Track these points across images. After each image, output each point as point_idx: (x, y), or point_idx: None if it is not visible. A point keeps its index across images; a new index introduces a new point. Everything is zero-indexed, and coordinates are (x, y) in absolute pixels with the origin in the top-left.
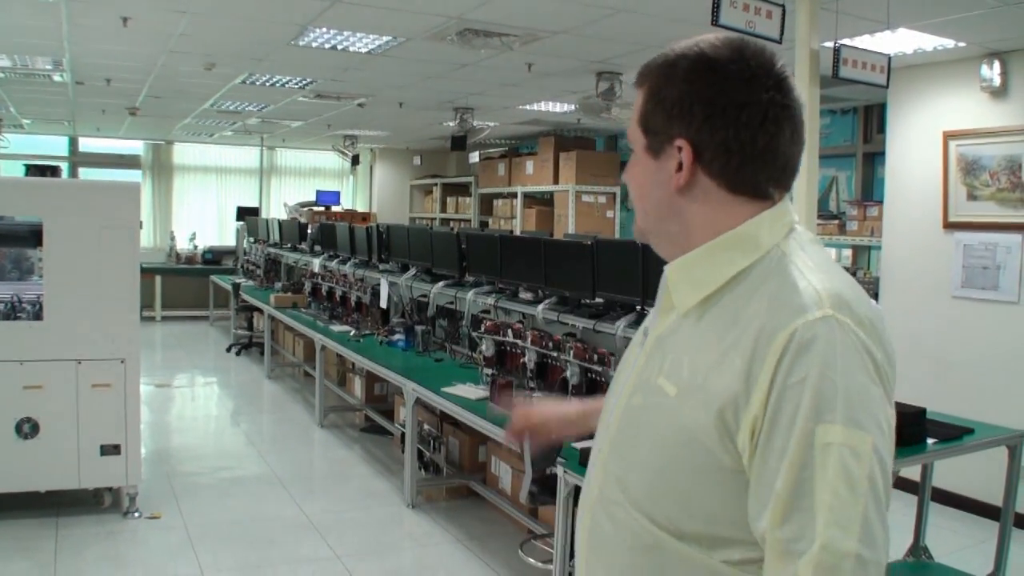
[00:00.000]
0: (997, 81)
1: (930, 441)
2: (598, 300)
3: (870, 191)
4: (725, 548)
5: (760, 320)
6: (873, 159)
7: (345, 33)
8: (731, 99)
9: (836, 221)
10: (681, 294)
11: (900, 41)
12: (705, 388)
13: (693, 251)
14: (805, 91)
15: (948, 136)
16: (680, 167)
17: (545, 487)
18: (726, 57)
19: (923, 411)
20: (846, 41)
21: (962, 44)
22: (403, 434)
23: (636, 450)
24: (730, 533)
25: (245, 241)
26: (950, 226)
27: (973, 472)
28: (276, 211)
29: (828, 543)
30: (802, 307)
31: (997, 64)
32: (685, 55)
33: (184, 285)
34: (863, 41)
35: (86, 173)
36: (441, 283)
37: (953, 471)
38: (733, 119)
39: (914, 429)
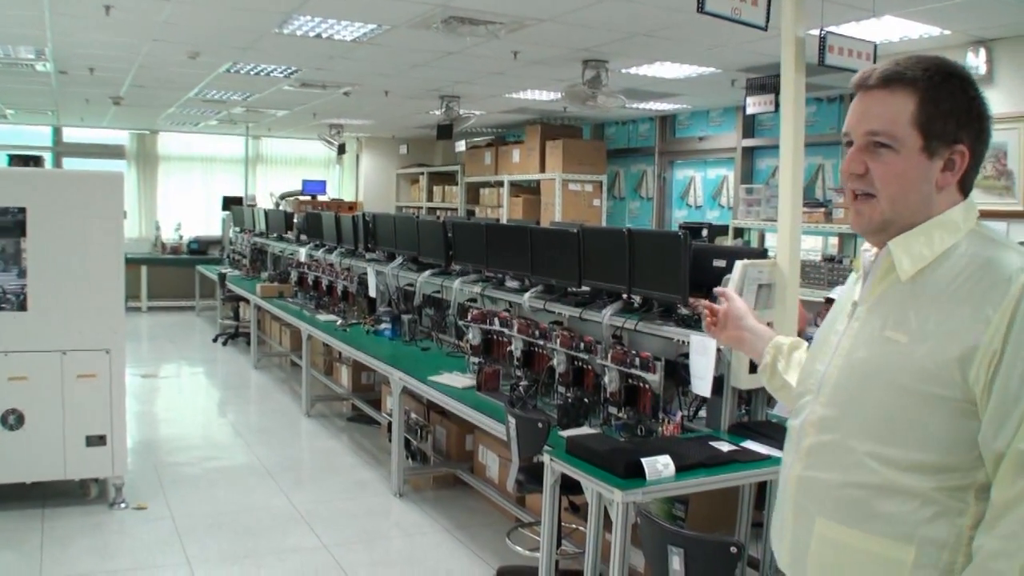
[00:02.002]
0: (983, 69)
1: None
2: (584, 288)
3: None
4: (943, 474)
5: (987, 276)
6: None
7: (330, 21)
8: (990, 117)
9: (822, 209)
10: (904, 263)
11: (886, 28)
12: (937, 334)
13: (913, 229)
14: (791, 78)
15: None
16: (952, 167)
17: (532, 475)
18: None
19: None
20: (832, 28)
21: (947, 32)
22: (390, 423)
23: (865, 396)
24: (950, 460)
25: (231, 231)
26: None
27: None
28: (262, 201)
29: None
30: (1020, 267)
31: (983, 52)
32: (955, 68)
33: (170, 275)
34: (849, 28)
35: (70, 163)
36: (427, 272)
37: None
38: (990, 133)
39: None
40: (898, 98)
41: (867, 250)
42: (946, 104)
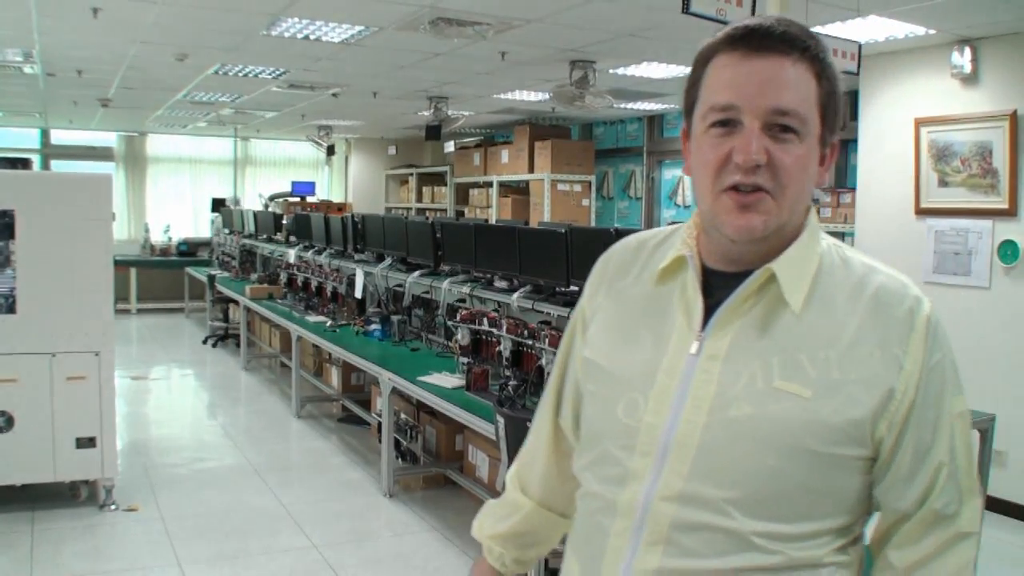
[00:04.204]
0: (968, 68)
1: None
2: (572, 288)
3: (843, 178)
4: (842, 535)
5: (882, 306)
6: (846, 146)
7: (317, 23)
8: None
9: None
10: (795, 295)
11: (871, 28)
12: (844, 384)
13: (793, 246)
14: None
15: (919, 123)
16: (824, 162)
17: None
18: None
19: None
20: (817, 28)
21: (933, 31)
22: (380, 424)
23: (753, 465)
24: (851, 520)
25: (220, 232)
26: (922, 212)
27: None
28: (251, 202)
29: (972, 500)
30: (916, 295)
31: (968, 51)
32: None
33: (159, 277)
34: (834, 28)
35: (58, 165)
36: (416, 272)
37: None
38: None
39: None
40: (801, 69)
41: (654, 241)
42: (839, 85)
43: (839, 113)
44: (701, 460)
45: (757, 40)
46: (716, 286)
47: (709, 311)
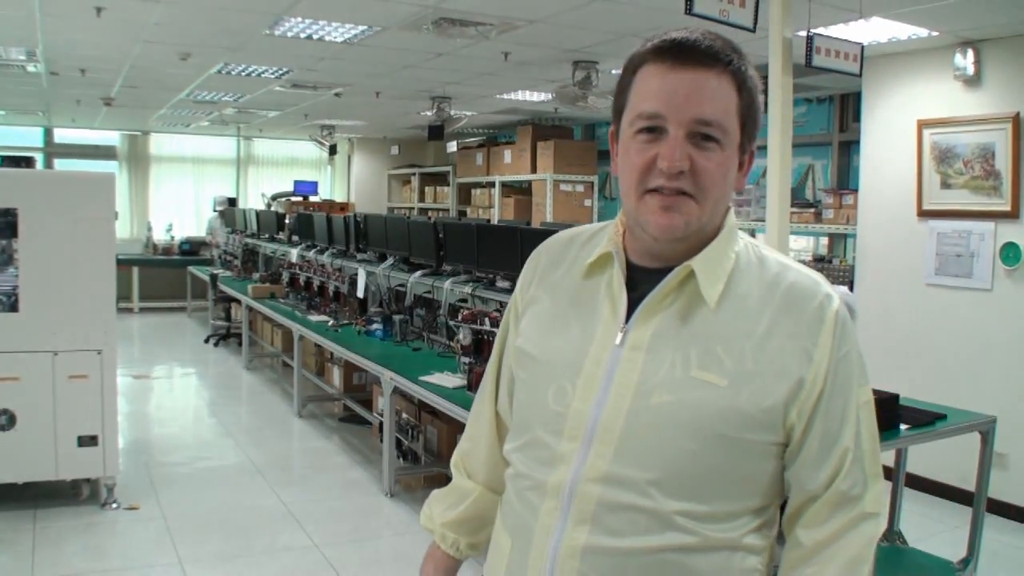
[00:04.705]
0: (971, 70)
1: (903, 427)
2: None
3: (846, 179)
4: (756, 516)
5: (795, 303)
6: (849, 148)
7: (320, 22)
8: None
9: (812, 209)
10: (710, 290)
11: (874, 30)
12: (757, 374)
13: (711, 245)
14: (778, 80)
15: (922, 124)
16: (742, 168)
17: None
18: None
19: (896, 397)
20: (820, 30)
21: (936, 33)
22: (381, 423)
23: (672, 448)
24: (765, 502)
25: (222, 232)
26: (924, 214)
27: (946, 458)
28: (254, 201)
29: (875, 483)
30: (827, 292)
31: (971, 53)
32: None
33: (161, 276)
34: (837, 30)
35: (61, 164)
36: (419, 272)
37: (927, 457)
38: None
39: (888, 415)
40: (724, 82)
41: (583, 237)
42: (758, 96)
43: (758, 122)
44: (625, 444)
45: (684, 53)
46: (640, 280)
47: (633, 304)
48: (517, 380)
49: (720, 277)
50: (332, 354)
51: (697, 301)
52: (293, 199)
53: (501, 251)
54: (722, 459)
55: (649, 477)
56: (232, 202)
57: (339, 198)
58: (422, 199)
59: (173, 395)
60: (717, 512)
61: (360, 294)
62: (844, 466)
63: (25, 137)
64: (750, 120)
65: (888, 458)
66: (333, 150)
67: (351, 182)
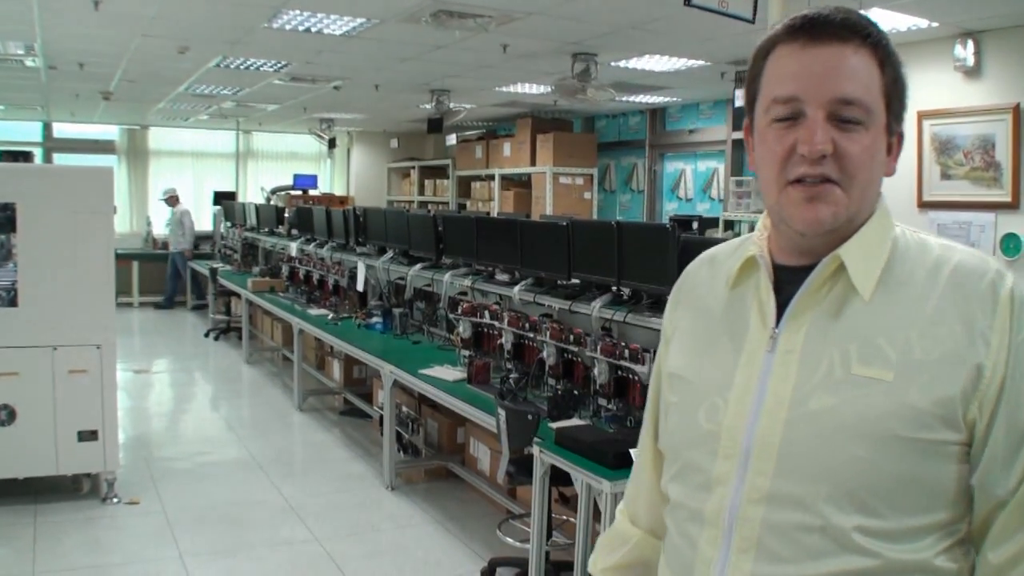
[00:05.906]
0: (971, 61)
1: None
2: (574, 281)
3: None
4: (945, 534)
5: (962, 282)
6: None
7: (319, 15)
8: None
9: None
10: (864, 279)
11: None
12: (928, 364)
13: (860, 231)
14: None
15: (922, 116)
16: (891, 152)
17: (522, 467)
18: None
19: None
20: None
21: (935, 24)
22: (381, 417)
23: (839, 456)
24: (954, 515)
25: (222, 225)
26: (924, 205)
27: None
28: (253, 195)
29: None
30: (997, 269)
31: (971, 44)
32: None
33: (161, 271)
34: None
35: (60, 159)
36: (418, 266)
37: None
38: None
39: None
40: (863, 57)
41: (725, 251)
42: (903, 72)
43: (904, 101)
44: (786, 457)
45: (816, 29)
46: (787, 281)
47: (782, 307)
48: (669, 406)
49: (874, 265)
50: (332, 348)
51: (851, 293)
52: (292, 193)
53: (501, 244)
54: (898, 465)
55: (817, 492)
56: (232, 196)
57: (339, 192)
58: (422, 192)
59: (173, 390)
60: (899, 528)
61: (360, 288)
62: None
63: (24, 132)
64: (896, 98)
65: None
66: (332, 144)
67: (350, 176)
